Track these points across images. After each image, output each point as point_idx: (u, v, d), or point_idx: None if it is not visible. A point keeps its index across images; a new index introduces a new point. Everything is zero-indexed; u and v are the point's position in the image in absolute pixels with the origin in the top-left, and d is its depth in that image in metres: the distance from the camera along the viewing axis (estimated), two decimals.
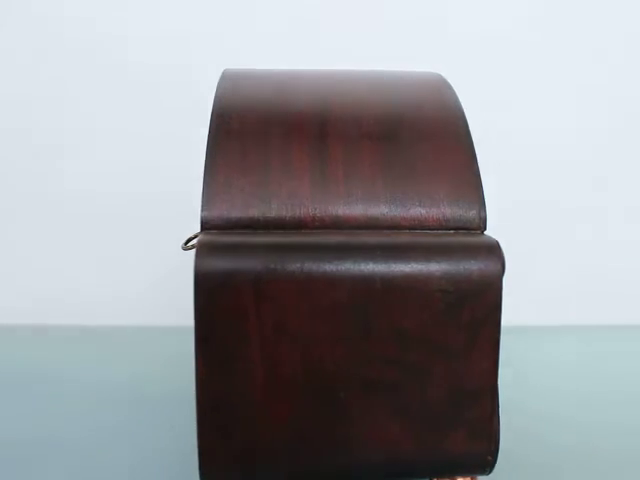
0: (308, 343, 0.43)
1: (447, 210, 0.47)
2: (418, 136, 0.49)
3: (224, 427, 0.44)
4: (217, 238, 0.44)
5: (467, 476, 0.47)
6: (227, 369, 0.44)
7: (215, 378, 0.44)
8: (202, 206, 0.46)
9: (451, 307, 0.44)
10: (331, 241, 0.44)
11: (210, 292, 0.43)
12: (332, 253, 0.43)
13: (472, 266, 0.44)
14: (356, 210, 0.46)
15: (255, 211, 0.46)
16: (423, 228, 0.46)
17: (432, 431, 0.45)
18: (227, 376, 0.44)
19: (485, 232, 0.47)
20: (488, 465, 0.46)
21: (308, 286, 0.43)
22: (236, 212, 0.46)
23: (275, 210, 0.46)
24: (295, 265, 0.43)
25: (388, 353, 0.44)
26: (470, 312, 0.44)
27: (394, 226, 0.46)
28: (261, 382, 0.44)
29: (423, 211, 0.46)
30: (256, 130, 0.49)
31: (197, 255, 0.43)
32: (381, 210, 0.46)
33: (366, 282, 0.43)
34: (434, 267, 0.43)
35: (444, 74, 0.57)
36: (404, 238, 0.45)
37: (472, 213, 0.47)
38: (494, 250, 0.44)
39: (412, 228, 0.46)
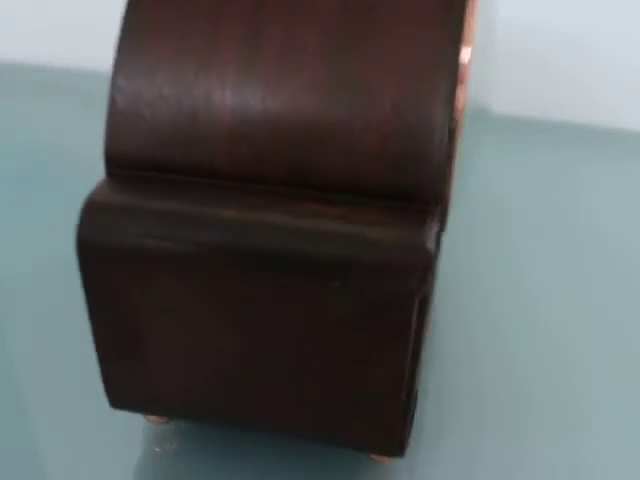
0: (193, 324, 0.41)
1: (383, 166, 0.40)
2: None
3: (125, 371, 0.44)
4: (105, 198, 0.41)
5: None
6: (118, 335, 0.43)
7: (109, 338, 0.43)
8: (106, 135, 0.42)
9: (349, 318, 0.40)
10: (224, 217, 0.40)
11: (92, 265, 0.41)
12: (220, 232, 0.39)
13: (380, 278, 0.38)
14: (276, 159, 0.41)
15: (163, 150, 0.42)
16: (353, 192, 0.41)
17: (329, 418, 0.43)
18: (120, 341, 0.43)
19: (437, 209, 0.40)
20: (394, 455, 0.44)
21: (189, 273, 0.40)
22: (144, 149, 0.42)
23: (187, 149, 0.42)
24: (178, 247, 0.39)
25: (278, 346, 0.41)
26: (371, 328, 0.40)
27: (321, 186, 0.41)
28: (150, 351, 0.43)
29: (354, 165, 0.40)
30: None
31: (80, 216, 0.40)
32: (309, 163, 0.41)
33: (255, 277, 0.39)
34: (331, 272, 0.38)
35: None
36: (312, 222, 0.39)
37: (420, 180, 0.40)
38: (411, 267, 0.38)
39: (341, 190, 0.41)
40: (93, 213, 0.41)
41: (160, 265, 0.40)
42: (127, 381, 0.45)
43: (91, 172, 0.76)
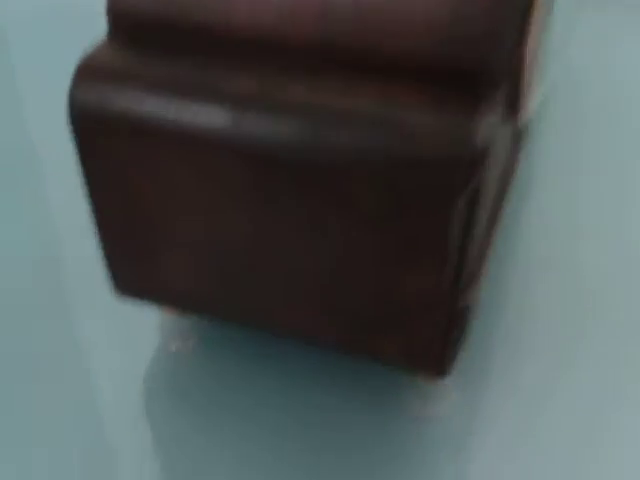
0: (206, 210, 0.36)
1: (432, 38, 0.32)
2: None
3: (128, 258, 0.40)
4: (101, 61, 0.35)
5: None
6: (121, 215, 0.38)
7: (111, 218, 0.38)
8: None
9: (382, 216, 0.33)
10: (240, 89, 0.33)
11: (86, 135, 0.35)
12: (233, 109, 0.33)
13: (409, 168, 0.31)
14: (307, 29, 0.34)
15: (173, 4, 0.35)
16: (391, 68, 0.33)
17: (356, 327, 0.38)
18: (123, 221, 0.38)
19: (494, 94, 0.33)
20: (431, 375, 0.39)
21: (197, 153, 0.34)
22: (151, 3, 0.36)
23: (201, 3, 0.35)
24: (181, 122, 0.34)
25: (302, 239, 0.35)
26: (405, 228, 0.33)
27: (354, 60, 0.34)
28: (157, 235, 0.38)
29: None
30: None
31: (72, 82, 0.35)
32: (342, 33, 0.33)
33: (271, 164, 0.33)
34: (360, 160, 0.32)
35: None
36: (340, 101, 0.32)
37: (477, 57, 0.32)
38: (453, 160, 0.31)
39: (377, 66, 0.33)
40: (87, 78, 0.35)
41: (161, 139, 0.34)
42: (132, 266, 0.40)
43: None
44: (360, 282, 0.36)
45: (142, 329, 0.45)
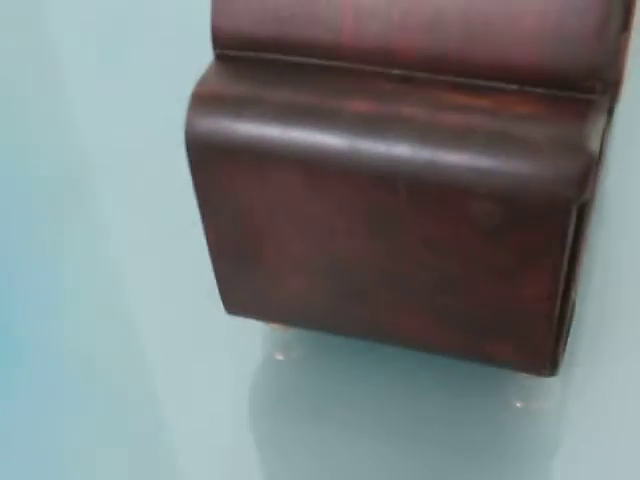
0: (321, 231, 0.37)
1: (539, 47, 0.33)
2: None
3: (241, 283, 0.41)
4: (216, 88, 0.36)
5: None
6: (236, 238, 0.39)
7: (225, 241, 0.39)
8: (213, 9, 0.37)
9: (496, 230, 0.34)
10: (353, 110, 0.34)
11: (204, 164, 0.37)
12: (351, 131, 0.34)
13: (532, 184, 0.32)
14: (416, 43, 0.35)
15: (280, 27, 0.36)
16: (502, 79, 0.34)
17: (469, 335, 0.38)
18: (237, 244, 0.39)
19: (605, 97, 0.34)
20: (544, 375, 0.39)
21: (316, 177, 0.35)
22: (258, 26, 0.36)
23: (307, 25, 0.36)
24: (302, 145, 0.35)
25: (416, 257, 0.36)
26: (521, 239, 0.34)
27: (465, 72, 0.35)
28: (270, 257, 0.39)
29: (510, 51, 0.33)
30: None
31: (188, 110, 0.36)
32: (452, 44, 0.34)
33: (389, 184, 0.34)
34: (477, 178, 0.33)
35: None
36: (455, 117, 0.33)
37: (584, 64, 0.33)
38: (568, 172, 0.32)
39: (488, 77, 0.34)
40: (203, 107, 0.36)
41: (280, 164, 0.36)
42: (243, 286, 0.41)
43: (193, 50, 0.69)
44: (475, 294, 0.37)
45: (247, 340, 0.47)
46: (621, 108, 0.59)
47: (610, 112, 0.49)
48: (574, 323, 0.46)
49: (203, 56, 0.64)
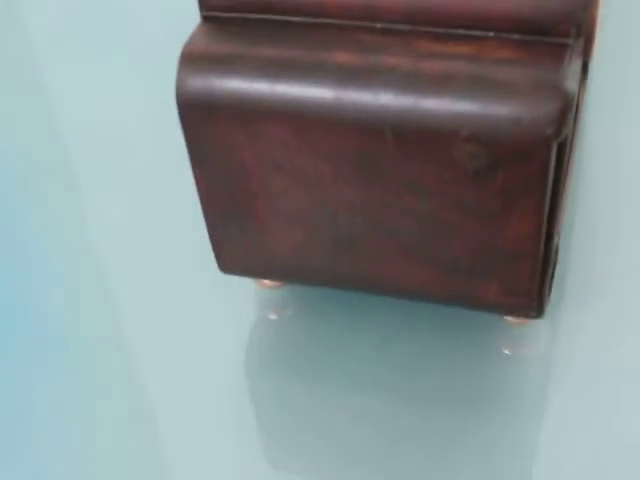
0: (312, 182, 0.38)
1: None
2: None
3: (235, 238, 0.42)
4: (204, 47, 0.37)
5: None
6: (228, 194, 0.40)
7: (218, 199, 0.40)
8: None
9: (480, 172, 0.35)
10: (337, 62, 0.36)
11: (195, 121, 0.38)
12: (335, 82, 0.35)
13: (512, 124, 0.34)
14: None
15: None
16: (480, 27, 0.36)
17: (457, 278, 0.40)
18: (230, 200, 0.40)
19: (578, 40, 0.35)
20: (531, 316, 0.41)
21: (304, 128, 0.36)
22: None
23: None
24: (289, 98, 0.36)
25: (403, 202, 0.38)
26: (504, 179, 0.35)
27: (444, 22, 0.36)
28: (264, 211, 0.40)
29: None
30: None
31: (178, 70, 0.37)
32: None
33: (375, 131, 0.36)
34: (460, 121, 0.34)
35: None
36: (436, 64, 0.35)
37: (557, 9, 0.34)
38: (547, 111, 0.33)
39: (466, 26, 0.36)
40: (192, 65, 0.37)
41: (269, 117, 0.37)
42: (238, 243, 0.42)
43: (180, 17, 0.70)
44: (460, 235, 0.38)
45: (240, 300, 0.48)
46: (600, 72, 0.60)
47: (585, 67, 0.51)
48: (559, 269, 0.47)
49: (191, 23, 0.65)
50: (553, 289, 0.47)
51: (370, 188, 0.38)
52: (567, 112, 0.34)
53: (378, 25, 0.37)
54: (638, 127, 0.55)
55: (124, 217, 0.54)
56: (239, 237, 0.42)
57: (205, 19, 0.39)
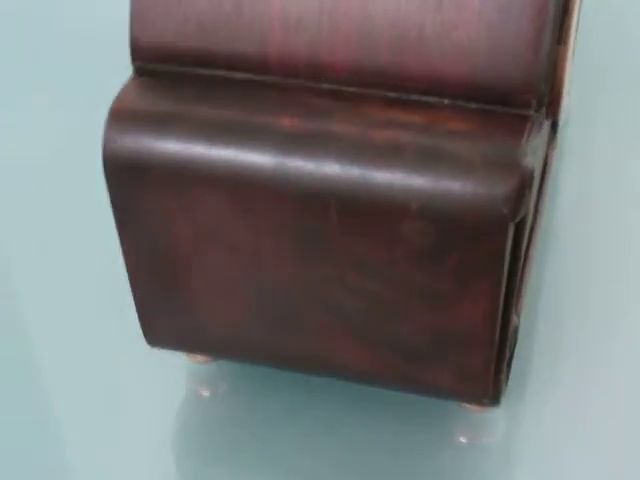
0: (248, 255, 0.35)
1: (472, 61, 0.32)
2: None
3: (163, 309, 0.38)
4: (135, 103, 0.34)
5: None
6: (157, 263, 0.37)
7: (146, 267, 0.37)
8: (131, 21, 0.35)
9: (430, 251, 0.32)
10: (280, 126, 0.33)
11: (123, 184, 0.34)
12: (278, 149, 0.32)
13: (466, 202, 0.31)
14: (346, 55, 0.33)
15: (202, 39, 0.34)
16: (435, 93, 0.33)
17: (407, 362, 0.37)
18: (159, 269, 0.37)
19: (541, 111, 0.33)
20: (485, 404, 0.38)
21: (242, 197, 0.33)
22: (178, 38, 0.35)
23: (231, 38, 0.34)
24: (227, 164, 0.33)
25: (347, 280, 0.34)
26: (456, 259, 0.32)
27: (396, 86, 0.33)
28: (195, 283, 0.37)
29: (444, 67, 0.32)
30: None
31: (106, 127, 0.34)
32: (383, 57, 0.33)
33: (318, 204, 0.33)
34: (409, 195, 0.31)
35: None
36: (386, 134, 0.32)
37: (518, 78, 0.32)
38: (503, 190, 0.30)
39: (420, 91, 0.33)
40: (122, 123, 0.34)
41: (204, 183, 0.34)
42: (167, 315, 0.39)
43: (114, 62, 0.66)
44: (409, 317, 0.35)
45: (170, 375, 0.44)
46: (574, 126, 0.57)
47: (554, 127, 0.48)
48: (520, 351, 0.44)
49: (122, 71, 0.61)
50: (512, 373, 0.43)
51: (312, 264, 0.35)
52: (525, 191, 0.31)
53: (325, 86, 0.34)
54: (611, 190, 0.52)
55: (51, 280, 0.50)
56: (168, 309, 0.38)
57: (138, 71, 0.36)
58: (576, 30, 0.48)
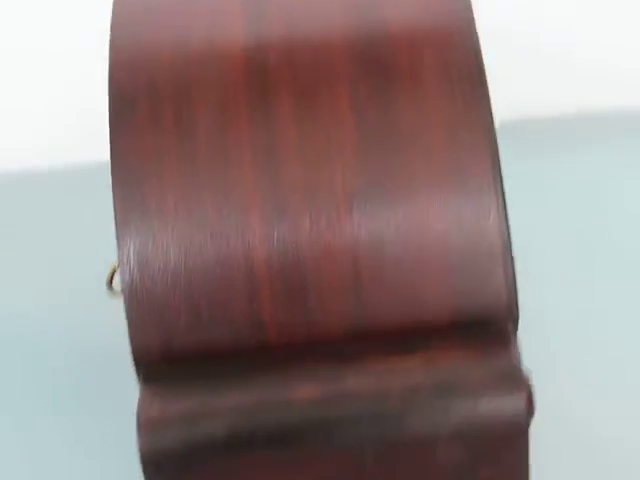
0: None
1: (447, 293, 0.36)
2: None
3: None
4: (164, 407, 0.36)
5: None
6: None
7: None
8: (129, 329, 0.37)
9: (462, 469, 0.36)
10: (308, 396, 0.36)
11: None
12: (312, 427, 0.35)
13: (486, 420, 0.35)
14: (330, 315, 0.37)
15: (197, 334, 0.37)
16: (416, 331, 0.37)
17: None
18: None
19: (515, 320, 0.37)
20: None
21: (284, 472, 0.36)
22: (178, 337, 0.37)
23: (225, 329, 0.37)
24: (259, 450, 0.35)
25: None
26: (487, 472, 0.36)
27: (388, 336, 0.37)
28: None
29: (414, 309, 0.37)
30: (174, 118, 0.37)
31: (141, 433, 0.35)
32: (359, 300, 0.37)
33: (354, 456, 0.36)
34: (438, 429, 0.35)
35: None
36: (400, 383, 0.35)
37: (493, 298, 0.37)
38: (519, 404, 0.35)
39: (407, 336, 0.37)
40: (153, 435, 0.36)
41: (242, 468, 0.36)
42: None
43: None
44: None
45: None
46: None
47: None
48: None
49: None
50: None
51: None
52: (533, 399, 0.36)
53: (322, 350, 0.38)
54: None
55: None
56: None
57: (145, 380, 0.38)
58: None
